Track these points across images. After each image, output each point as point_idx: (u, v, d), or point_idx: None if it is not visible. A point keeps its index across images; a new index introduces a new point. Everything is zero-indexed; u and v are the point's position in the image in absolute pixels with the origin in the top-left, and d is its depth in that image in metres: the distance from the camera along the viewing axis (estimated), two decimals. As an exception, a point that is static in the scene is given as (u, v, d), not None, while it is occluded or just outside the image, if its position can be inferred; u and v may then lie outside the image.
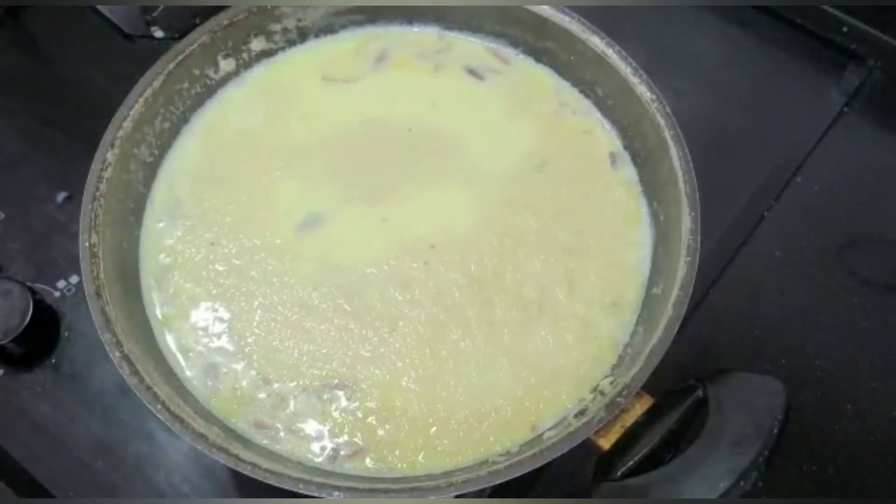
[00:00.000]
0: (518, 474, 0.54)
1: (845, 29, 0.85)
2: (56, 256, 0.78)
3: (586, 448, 0.55)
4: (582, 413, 0.59)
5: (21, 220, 0.79)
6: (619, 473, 0.55)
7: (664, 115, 0.64)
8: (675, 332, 0.57)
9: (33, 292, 0.72)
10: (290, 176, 0.69)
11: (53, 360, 0.74)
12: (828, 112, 0.81)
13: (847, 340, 0.74)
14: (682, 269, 0.59)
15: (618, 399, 0.56)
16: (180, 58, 0.68)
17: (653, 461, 0.55)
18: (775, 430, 0.53)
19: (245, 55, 0.73)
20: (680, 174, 0.63)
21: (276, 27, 0.72)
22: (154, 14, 0.70)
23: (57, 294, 0.76)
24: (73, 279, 0.77)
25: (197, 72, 0.70)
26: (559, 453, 0.54)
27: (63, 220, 0.79)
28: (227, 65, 0.72)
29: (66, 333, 0.75)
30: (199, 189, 0.69)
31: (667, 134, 0.64)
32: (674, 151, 0.63)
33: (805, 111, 0.81)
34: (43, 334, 0.73)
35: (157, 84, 0.67)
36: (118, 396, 0.72)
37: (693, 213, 0.61)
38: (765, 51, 0.85)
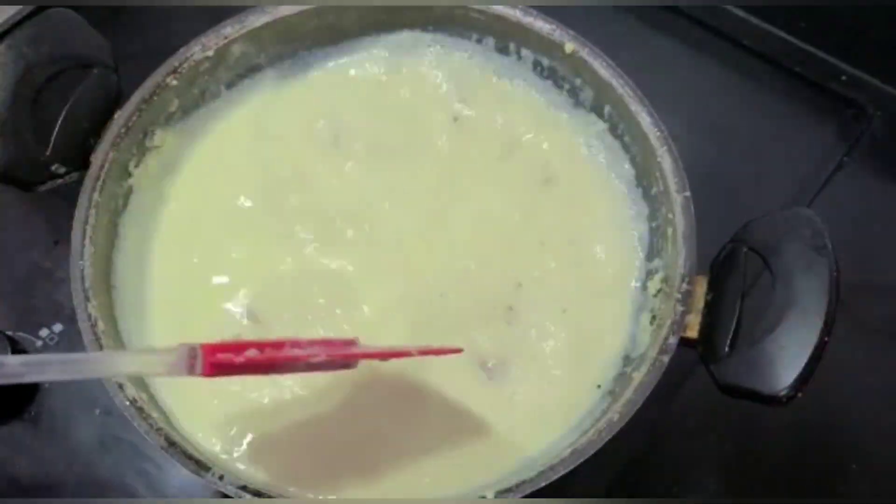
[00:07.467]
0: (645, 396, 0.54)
1: (844, 77, 0.84)
2: (39, 304, 0.76)
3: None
4: (654, 318, 0.59)
5: (4, 266, 0.78)
6: (726, 350, 0.54)
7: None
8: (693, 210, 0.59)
9: (13, 342, 0.71)
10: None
11: (32, 413, 0.72)
12: (828, 161, 0.80)
13: (854, 395, 0.73)
14: (666, 160, 0.61)
15: (684, 287, 0.57)
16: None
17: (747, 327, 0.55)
18: (829, 246, 0.53)
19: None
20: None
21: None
22: (47, 153, 0.62)
23: (39, 343, 0.74)
24: (57, 328, 0.75)
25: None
26: (669, 354, 0.55)
27: (48, 266, 0.77)
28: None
29: (47, 385, 0.72)
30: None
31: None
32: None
33: (805, 160, 0.80)
34: (21, 386, 0.71)
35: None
36: (97, 452, 0.70)
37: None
38: (763, 99, 0.84)
